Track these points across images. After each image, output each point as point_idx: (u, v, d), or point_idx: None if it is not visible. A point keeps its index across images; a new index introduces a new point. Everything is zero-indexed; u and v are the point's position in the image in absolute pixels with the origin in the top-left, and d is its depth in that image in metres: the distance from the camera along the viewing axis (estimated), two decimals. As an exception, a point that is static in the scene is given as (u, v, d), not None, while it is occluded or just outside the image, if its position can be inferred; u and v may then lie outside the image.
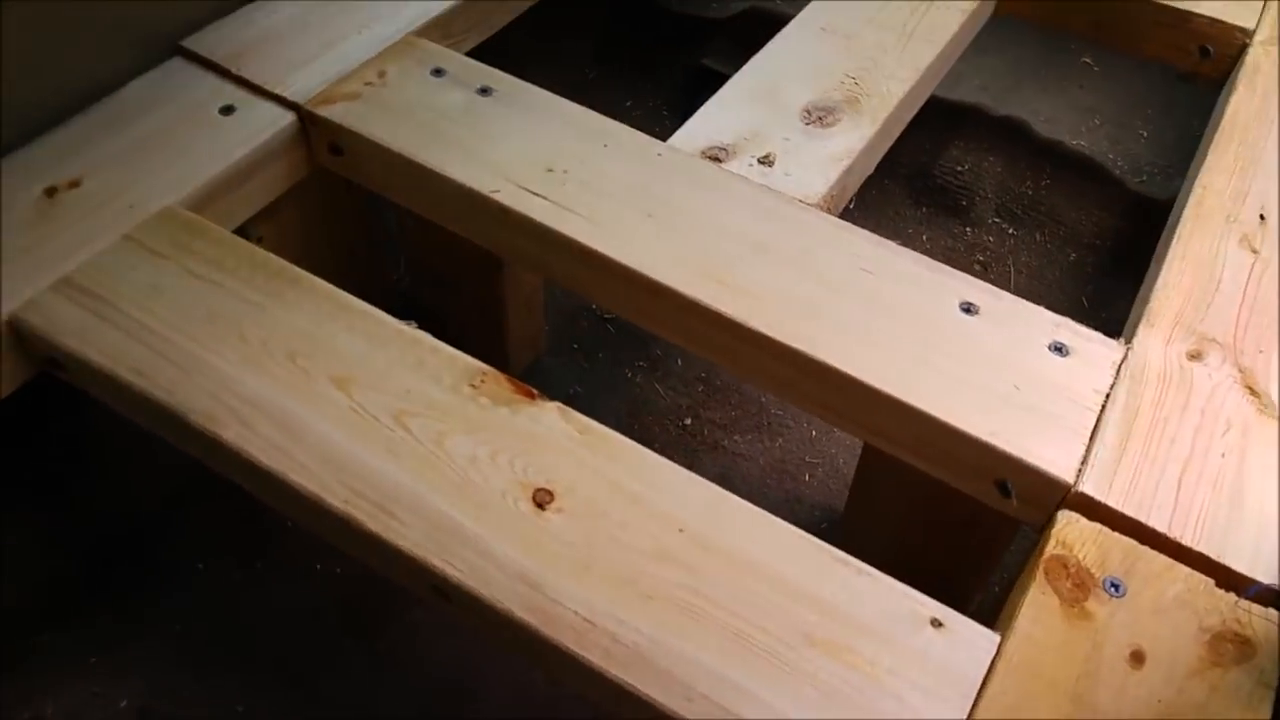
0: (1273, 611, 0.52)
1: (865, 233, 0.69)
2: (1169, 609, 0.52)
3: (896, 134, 0.83)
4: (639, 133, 0.76)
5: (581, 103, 0.79)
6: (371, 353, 0.62)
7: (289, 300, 0.65)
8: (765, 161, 0.73)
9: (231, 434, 0.58)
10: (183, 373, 0.60)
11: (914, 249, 0.68)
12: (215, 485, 0.86)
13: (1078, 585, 0.52)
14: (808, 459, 0.97)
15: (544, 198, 0.70)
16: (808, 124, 0.76)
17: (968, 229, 1.13)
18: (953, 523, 0.67)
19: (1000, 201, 1.14)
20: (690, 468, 0.94)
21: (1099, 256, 1.12)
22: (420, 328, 0.64)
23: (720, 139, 0.75)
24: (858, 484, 0.75)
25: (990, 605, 0.75)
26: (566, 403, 1.01)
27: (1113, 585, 0.52)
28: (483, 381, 0.61)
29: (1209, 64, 0.91)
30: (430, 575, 0.53)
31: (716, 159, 0.74)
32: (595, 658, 0.50)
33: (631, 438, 0.97)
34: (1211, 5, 0.89)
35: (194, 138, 0.74)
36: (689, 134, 0.76)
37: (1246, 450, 0.58)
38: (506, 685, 0.80)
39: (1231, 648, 0.50)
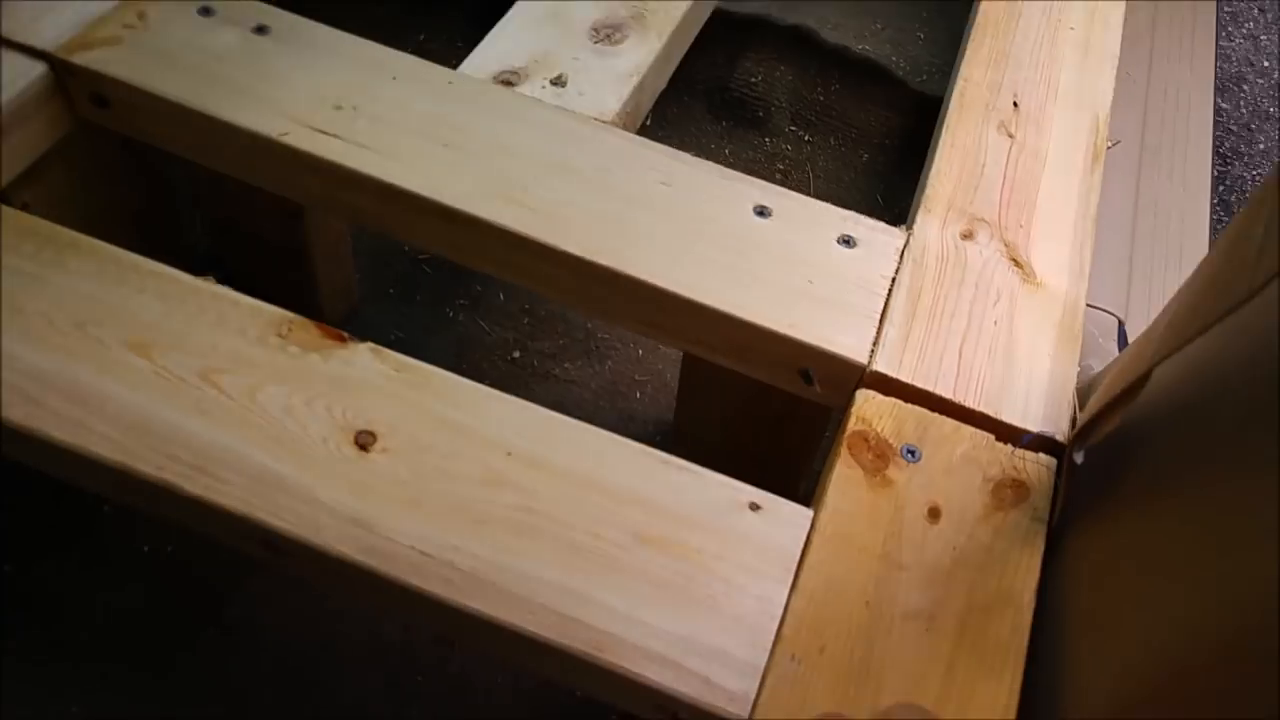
0: (1043, 456, 0.58)
1: (661, 147, 0.71)
2: (958, 466, 0.57)
3: (684, 47, 0.85)
4: (428, 62, 0.74)
5: (372, 39, 0.76)
6: (170, 312, 0.59)
7: (70, 267, 0.61)
8: (557, 83, 0.73)
9: (18, 413, 0.54)
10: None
11: (717, 163, 0.70)
12: (7, 478, 0.80)
13: (878, 456, 0.57)
14: (637, 377, 1.00)
15: (335, 136, 0.68)
16: (596, 42, 0.77)
17: (766, 139, 1.17)
18: (770, 417, 0.71)
19: (795, 110, 1.18)
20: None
21: (889, 155, 1.18)
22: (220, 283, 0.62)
23: (511, 63, 0.75)
24: (682, 393, 0.78)
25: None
26: (389, 349, 0.98)
27: (909, 451, 0.57)
28: (290, 330, 0.59)
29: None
30: (259, 531, 0.52)
31: (509, 83, 0.73)
32: (436, 588, 0.50)
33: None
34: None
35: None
36: (479, 60, 0.75)
37: (1014, 316, 0.64)
38: (363, 630, 0.80)
39: (1010, 493, 0.56)
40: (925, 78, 1.21)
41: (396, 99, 0.71)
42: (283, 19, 0.75)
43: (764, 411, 0.71)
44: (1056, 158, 0.73)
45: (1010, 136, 0.74)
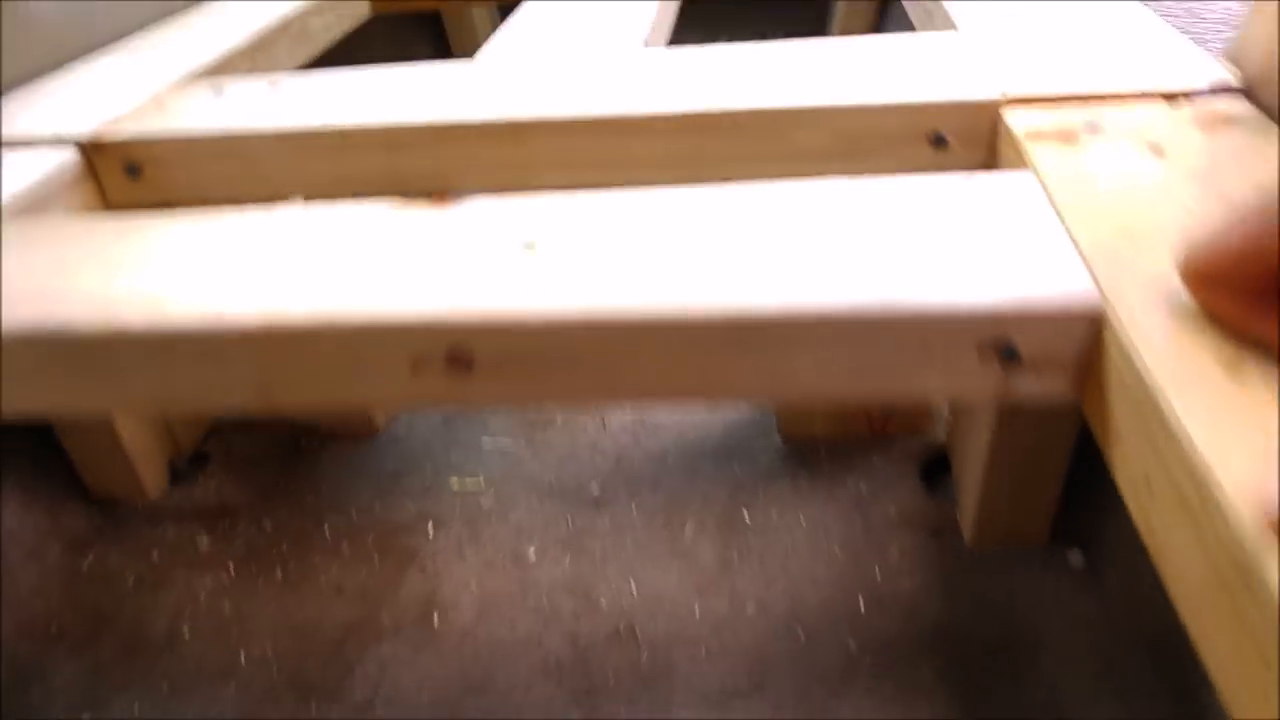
0: (1222, 99, 0.52)
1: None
2: (1149, 122, 0.50)
3: None
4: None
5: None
6: (278, 224, 0.49)
7: (160, 224, 0.51)
8: None
9: (112, 320, 0.42)
10: (46, 304, 0.44)
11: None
12: (68, 625, 0.68)
13: (1063, 137, 0.49)
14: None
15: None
16: None
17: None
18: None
19: None
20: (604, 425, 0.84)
21: None
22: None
23: None
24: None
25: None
26: (446, 422, 0.88)
27: (1090, 127, 0.50)
28: (404, 203, 0.50)
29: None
30: (449, 329, 0.40)
31: None
32: (704, 306, 0.38)
33: (541, 438, 0.87)
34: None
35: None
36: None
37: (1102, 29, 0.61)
38: (522, 662, 0.62)
39: (1220, 123, 0.49)
40: None
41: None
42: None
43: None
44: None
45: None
